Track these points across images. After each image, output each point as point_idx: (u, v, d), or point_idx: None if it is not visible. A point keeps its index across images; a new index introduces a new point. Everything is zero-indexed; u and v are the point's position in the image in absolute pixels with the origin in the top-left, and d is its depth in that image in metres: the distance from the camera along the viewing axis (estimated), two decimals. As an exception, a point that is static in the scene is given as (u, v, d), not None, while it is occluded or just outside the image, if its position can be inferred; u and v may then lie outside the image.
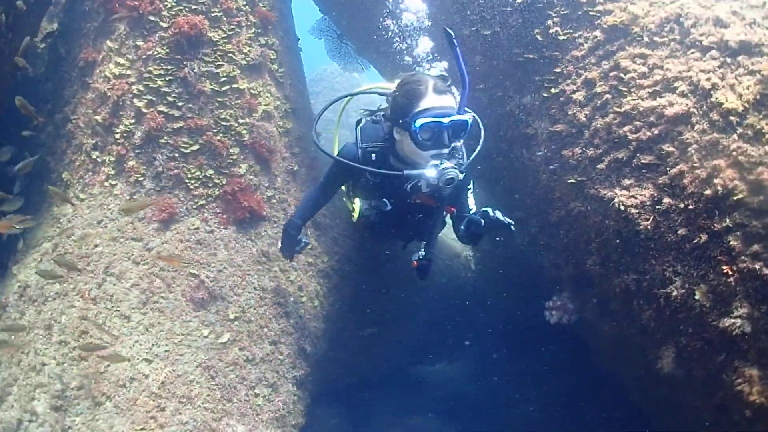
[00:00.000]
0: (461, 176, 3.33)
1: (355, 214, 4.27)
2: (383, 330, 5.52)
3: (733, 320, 2.80)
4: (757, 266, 2.75)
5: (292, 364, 4.42)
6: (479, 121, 3.59)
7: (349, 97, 4.73)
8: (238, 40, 4.71)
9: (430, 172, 3.30)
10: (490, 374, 6.41)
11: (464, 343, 6.54)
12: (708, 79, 3.13)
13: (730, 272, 2.85)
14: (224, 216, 4.48)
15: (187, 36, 4.47)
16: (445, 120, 3.22)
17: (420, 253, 4.15)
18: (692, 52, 3.32)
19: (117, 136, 4.36)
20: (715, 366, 2.94)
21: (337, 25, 6.02)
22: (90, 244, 4.05)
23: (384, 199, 4.04)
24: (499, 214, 3.28)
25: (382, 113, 3.94)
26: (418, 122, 3.25)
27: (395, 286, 5.67)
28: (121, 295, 3.84)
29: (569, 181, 3.76)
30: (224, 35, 4.64)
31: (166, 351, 3.71)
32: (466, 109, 3.23)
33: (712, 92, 3.11)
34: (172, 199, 4.36)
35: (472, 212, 3.76)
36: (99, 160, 4.36)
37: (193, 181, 4.44)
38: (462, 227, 3.70)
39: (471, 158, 3.52)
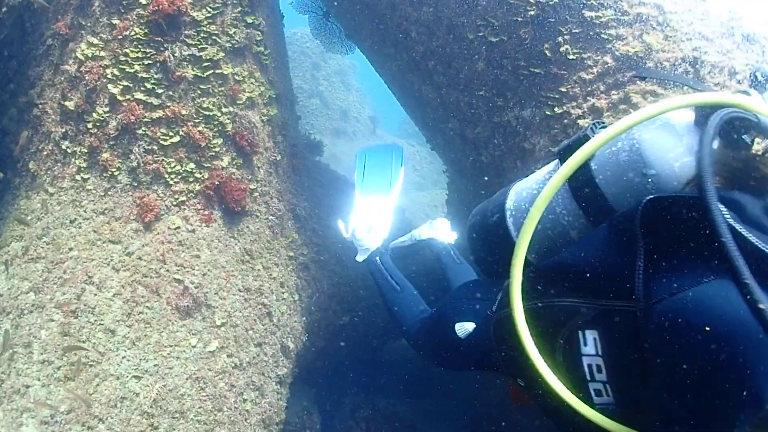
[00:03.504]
0: None
1: None
2: (358, 318, 5.57)
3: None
4: None
5: (276, 363, 4.41)
6: None
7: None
8: (222, 20, 4.33)
9: None
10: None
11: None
12: None
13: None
14: (206, 213, 4.27)
15: (165, 15, 4.06)
16: None
17: None
18: (704, 100, 3.36)
19: (89, 125, 3.98)
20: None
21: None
22: (64, 248, 3.77)
23: None
24: None
25: None
26: None
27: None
28: (103, 306, 3.64)
29: (567, 206, 3.82)
30: (208, 15, 4.25)
31: (155, 366, 3.59)
32: None
33: None
34: (151, 195, 4.10)
35: None
36: (69, 150, 4.00)
37: (173, 176, 4.18)
38: None
39: None
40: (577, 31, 3.95)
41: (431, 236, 4.44)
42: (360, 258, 4.10)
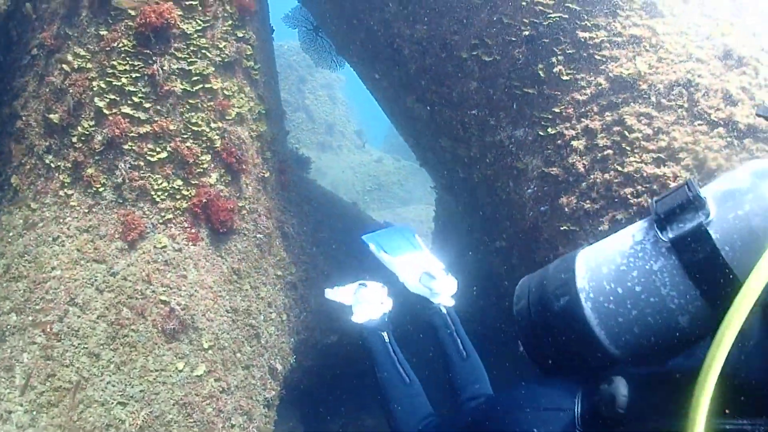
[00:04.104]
0: None
1: None
2: (345, 336, 5.47)
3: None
4: None
5: (264, 385, 4.30)
6: None
7: None
8: (212, 33, 4.25)
9: None
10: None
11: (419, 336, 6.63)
12: (714, 159, 3.22)
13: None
14: (192, 231, 4.15)
15: (153, 28, 3.96)
16: None
17: None
18: (699, 124, 3.39)
19: (74, 139, 3.85)
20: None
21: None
22: (47, 267, 3.62)
23: None
24: None
25: None
26: None
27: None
28: (87, 329, 3.49)
29: (561, 228, 3.81)
30: (198, 28, 4.16)
31: (141, 392, 3.45)
32: None
33: (716, 174, 3.21)
34: (136, 213, 3.97)
35: None
36: (53, 165, 3.85)
37: (159, 193, 4.05)
38: None
39: None
40: (570, 51, 3.96)
41: (422, 291, 3.63)
42: (360, 319, 3.62)
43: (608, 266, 1.79)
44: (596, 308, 1.76)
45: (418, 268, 3.68)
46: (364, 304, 3.80)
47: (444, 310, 3.52)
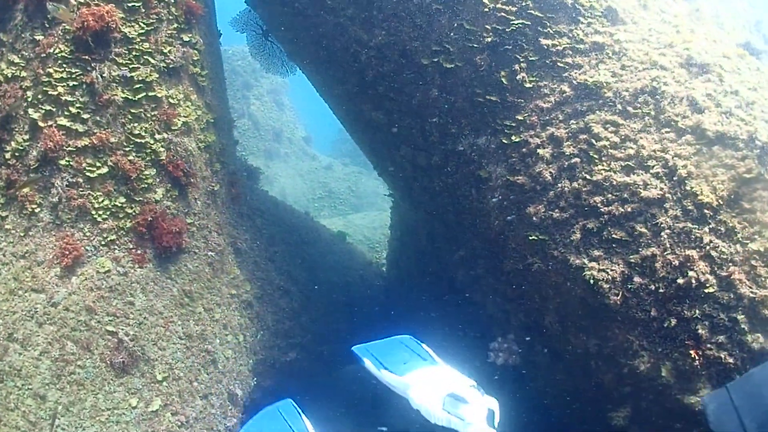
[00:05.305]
0: None
1: None
2: (304, 353, 5.26)
3: (697, 398, 3.06)
4: (721, 355, 3.00)
5: (224, 413, 4.02)
6: None
7: None
8: (156, 37, 3.93)
9: None
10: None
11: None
12: (684, 167, 3.26)
13: (696, 356, 3.08)
14: (138, 252, 3.82)
15: (93, 32, 3.62)
16: None
17: None
18: (667, 132, 3.42)
19: (7, 155, 3.46)
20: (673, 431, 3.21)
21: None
22: (-24, 301, 3.22)
23: None
24: None
25: None
26: None
27: (314, 307, 5.42)
28: (30, 367, 3.13)
29: (530, 238, 3.76)
30: (141, 31, 3.83)
31: (91, 435, 3.13)
32: None
33: (687, 180, 3.25)
34: (76, 234, 3.61)
35: None
36: (-20, 186, 3.45)
37: (101, 212, 3.70)
38: None
39: None
40: (533, 58, 3.92)
41: (449, 422, 2.87)
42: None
43: None
44: None
45: (439, 390, 2.92)
46: None
47: None
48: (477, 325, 4.47)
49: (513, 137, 3.96)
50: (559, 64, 3.87)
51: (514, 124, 3.97)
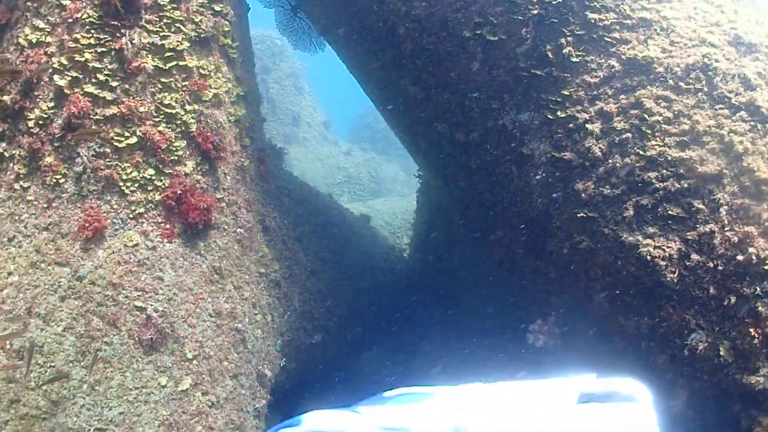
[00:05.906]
0: None
1: None
2: (329, 336, 5.13)
3: (757, 378, 2.92)
4: (783, 334, 2.85)
5: (253, 394, 3.91)
6: None
7: None
8: (188, 6, 3.77)
9: None
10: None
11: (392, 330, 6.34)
12: (741, 143, 3.16)
13: (756, 334, 2.95)
14: (167, 226, 3.68)
15: (122, -4, 3.47)
16: None
17: None
18: (720, 108, 3.30)
19: (30, 123, 3.32)
20: (731, 413, 3.05)
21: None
22: (2, 272, 3.09)
23: None
24: None
25: None
26: None
27: (340, 290, 5.29)
28: (53, 344, 3.00)
29: (578, 215, 3.59)
30: (172, -2, 3.68)
31: (120, 414, 3.00)
32: None
33: (744, 157, 3.14)
34: (102, 207, 3.47)
35: None
36: (6, 154, 3.33)
37: (128, 184, 3.56)
38: None
39: None
40: (580, 33, 3.74)
41: None
42: None
43: None
44: None
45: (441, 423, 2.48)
46: None
47: None
48: (512, 307, 4.31)
49: (559, 113, 3.78)
50: (606, 38, 3.69)
51: (559, 99, 3.79)
